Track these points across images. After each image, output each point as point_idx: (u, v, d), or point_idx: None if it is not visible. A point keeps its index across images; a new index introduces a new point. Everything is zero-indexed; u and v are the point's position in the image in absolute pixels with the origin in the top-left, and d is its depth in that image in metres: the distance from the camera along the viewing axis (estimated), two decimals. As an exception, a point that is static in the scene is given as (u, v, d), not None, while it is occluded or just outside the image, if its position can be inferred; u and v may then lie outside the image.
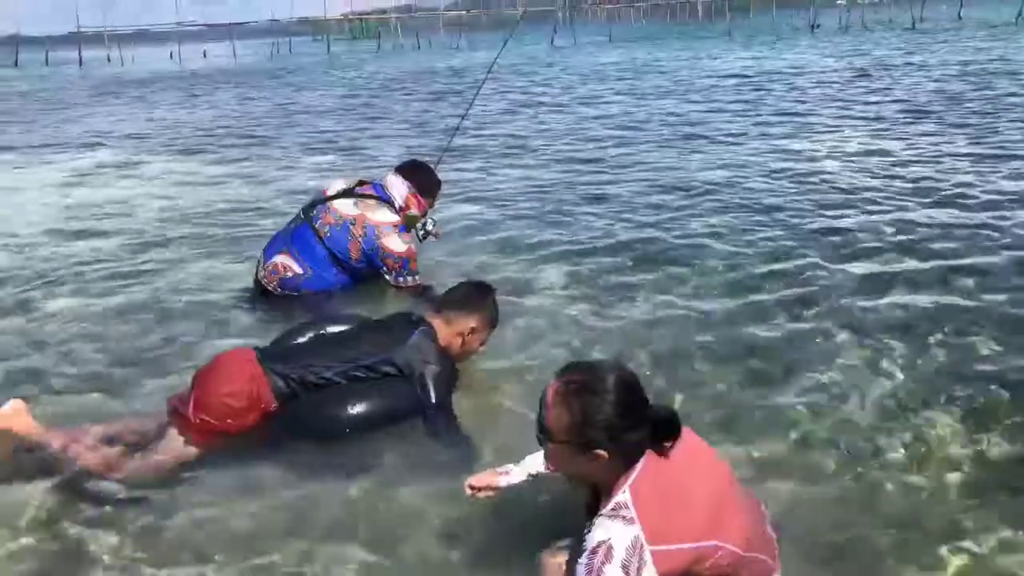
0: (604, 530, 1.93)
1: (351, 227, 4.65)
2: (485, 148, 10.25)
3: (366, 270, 4.73)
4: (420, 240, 4.98)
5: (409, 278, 4.70)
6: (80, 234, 6.80)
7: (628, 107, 14.20)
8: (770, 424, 3.27)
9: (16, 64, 52.22)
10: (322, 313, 4.31)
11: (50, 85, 31.02)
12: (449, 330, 3.45)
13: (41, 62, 53.17)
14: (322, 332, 3.48)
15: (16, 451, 3.12)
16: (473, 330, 3.49)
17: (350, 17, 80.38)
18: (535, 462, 2.51)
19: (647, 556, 1.89)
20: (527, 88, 18.55)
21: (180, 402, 3.17)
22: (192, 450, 3.09)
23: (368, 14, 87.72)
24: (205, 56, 52.57)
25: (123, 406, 3.61)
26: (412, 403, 3.22)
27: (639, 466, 2.00)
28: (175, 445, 3.07)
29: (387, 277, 4.70)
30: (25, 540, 2.75)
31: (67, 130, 15.31)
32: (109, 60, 52.45)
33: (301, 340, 3.45)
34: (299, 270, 4.67)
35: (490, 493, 2.53)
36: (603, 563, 1.88)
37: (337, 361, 3.23)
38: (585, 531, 1.98)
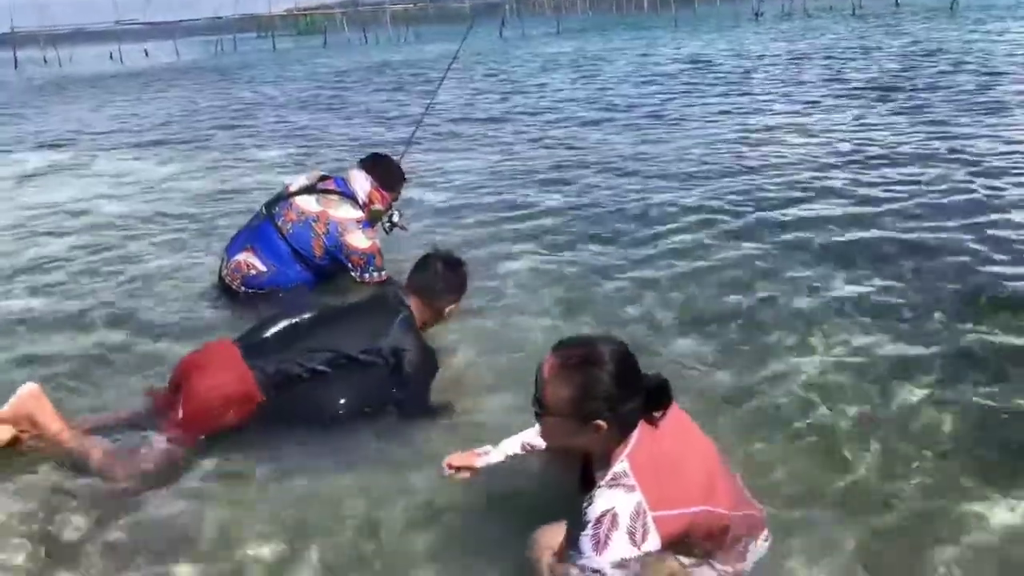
0: (606, 500, 2.00)
1: (313, 224, 4.63)
2: (446, 138, 10.28)
3: (330, 266, 4.71)
4: (387, 232, 4.98)
5: (375, 274, 4.69)
6: (36, 235, 6.68)
7: (581, 94, 14.32)
8: (744, 396, 3.39)
9: (-53, 67, 50.42)
10: (291, 304, 4.27)
11: (-14, 87, 30.03)
12: (430, 311, 3.49)
13: (-27, 64, 51.36)
14: (298, 321, 3.43)
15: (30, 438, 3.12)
16: (452, 310, 3.57)
17: (295, 12, 79.32)
18: (512, 444, 2.57)
19: (650, 521, 1.96)
20: (481, 79, 18.55)
21: (165, 398, 3.15)
22: (179, 449, 3.07)
23: (313, 9, 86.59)
24: (147, 55, 51.35)
25: (88, 406, 3.57)
26: (394, 391, 3.27)
27: (634, 436, 2.07)
28: (162, 444, 3.06)
29: (352, 274, 4.69)
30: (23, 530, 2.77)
31: (10, 132, 14.89)
32: (46, 61, 50.95)
33: (278, 330, 3.39)
34: (262, 267, 4.64)
35: (466, 474, 2.57)
36: (609, 530, 1.95)
37: (321, 350, 3.22)
38: (585, 504, 2.04)
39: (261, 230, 4.71)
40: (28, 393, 3.13)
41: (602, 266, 5.06)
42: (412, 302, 3.44)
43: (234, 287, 4.68)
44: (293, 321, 3.43)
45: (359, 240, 4.63)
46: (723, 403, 3.34)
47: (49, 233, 6.77)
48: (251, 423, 3.16)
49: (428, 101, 6.68)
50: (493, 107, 13.31)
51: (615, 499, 1.98)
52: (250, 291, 4.65)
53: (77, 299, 5.04)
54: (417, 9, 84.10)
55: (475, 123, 11.60)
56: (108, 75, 33.44)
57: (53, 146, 12.41)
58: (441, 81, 6.83)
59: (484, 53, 27.50)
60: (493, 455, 2.56)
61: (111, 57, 50.35)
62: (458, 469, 2.56)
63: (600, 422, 2.02)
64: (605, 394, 2.01)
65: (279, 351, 3.22)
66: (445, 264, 3.56)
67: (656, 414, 2.09)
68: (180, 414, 3.08)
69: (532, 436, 2.55)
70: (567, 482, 2.32)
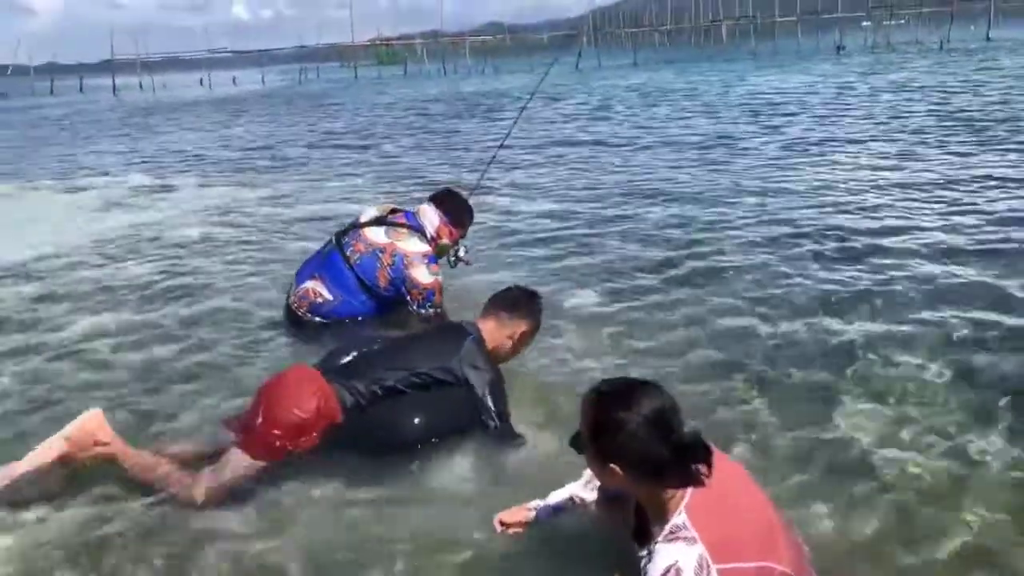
0: (667, 554, 1.92)
1: (380, 255, 4.65)
2: (517, 172, 10.28)
3: (394, 297, 4.72)
4: (451, 266, 4.98)
5: (431, 309, 4.67)
6: (115, 258, 6.90)
7: (653, 127, 14.25)
8: (804, 445, 3.22)
9: (52, 92, 53.47)
10: (360, 335, 4.29)
11: (84, 112, 31.65)
12: (500, 333, 3.55)
13: (76, 89, 54.34)
14: (373, 346, 3.53)
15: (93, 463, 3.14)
16: (523, 334, 3.60)
17: (377, 42, 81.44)
18: (561, 497, 2.53)
19: (715, 574, 1.89)
20: (556, 111, 18.62)
21: (245, 420, 3.19)
22: (259, 465, 3.10)
23: (394, 40, 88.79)
24: (235, 83, 53.53)
25: (159, 430, 3.63)
26: (470, 412, 3.30)
27: (689, 488, 2.00)
28: (242, 462, 3.09)
29: (411, 306, 4.69)
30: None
31: (102, 155, 15.62)
32: (141, 87, 53.58)
33: (354, 355, 3.47)
34: (329, 296, 4.67)
35: (519, 529, 2.53)
36: None
37: (396, 369, 3.28)
38: (644, 561, 1.97)
39: (330, 259, 4.76)
40: (90, 415, 3.18)
41: (667, 307, 4.91)
42: (484, 325, 3.54)
43: (300, 314, 4.73)
44: (369, 347, 3.53)
45: (423, 275, 4.63)
46: (785, 458, 3.16)
47: (129, 254, 7.00)
48: (327, 444, 3.18)
49: (503, 136, 6.67)
50: (564, 141, 13.32)
51: (676, 553, 1.91)
52: (316, 319, 4.69)
53: (150, 321, 5.16)
54: (496, 41, 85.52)
55: (546, 157, 11.60)
56: (197, 101, 34.90)
57: (140, 169, 12.94)
58: (517, 119, 6.82)
59: (560, 85, 27.64)
60: (543, 511, 2.51)
61: (201, 83, 52.67)
62: (509, 525, 2.52)
63: (614, 466, 1.98)
64: (624, 438, 1.97)
65: (357, 374, 3.29)
66: (521, 289, 3.75)
67: (701, 471, 1.99)
68: (263, 433, 3.09)
69: (580, 488, 2.50)
70: (620, 538, 2.24)
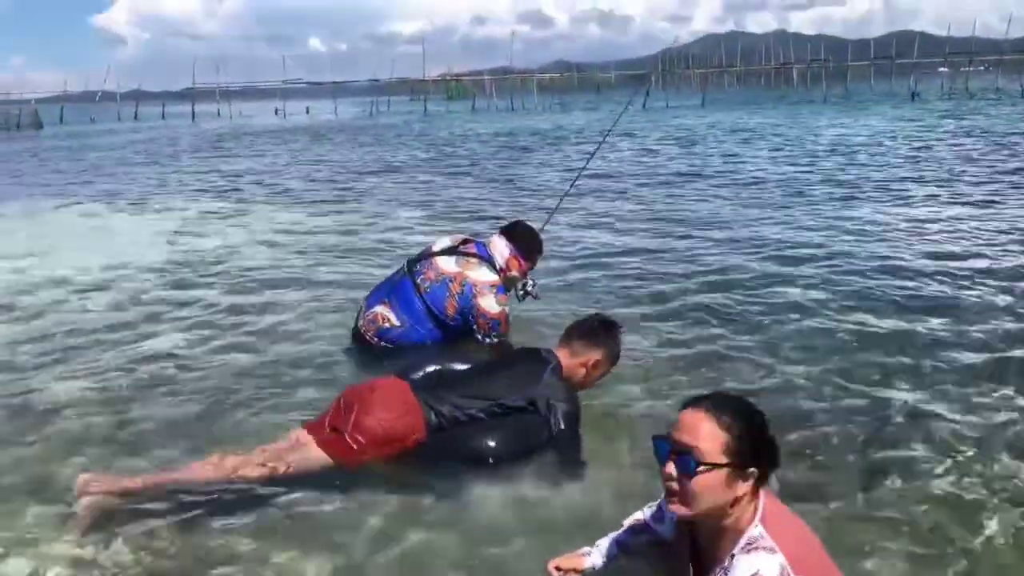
0: (748, 564, 1.90)
1: (450, 284, 4.66)
2: (589, 207, 10.26)
3: (460, 327, 4.71)
4: (519, 300, 4.95)
5: (496, 339, 4.66)
6: (186, 279, 7.05)
7: (720, 169, 14.12)
8: (860, 503, 3.07)
9: (136, 117, 55.81)
10: (439, 354, 4.36)
11: (163, 137, 32.89)
12: (574, 361, 3.59)
13: (158, 115, 56.58)
14: (455, 368, 3.68)
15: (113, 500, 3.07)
16: (597, 363, 3.62)
17: (447, 78, 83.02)
18: (612, 544, 2.49)
19: None
20: (624, 152, 18.60)
21: (330, 421, 3.26)
22: (329, 464, 3.17)
23: (464, 75, 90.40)
24: (308, 112, 55.04)
25: (222, 447, 3.62)
26: (545, 437, 3.37)
27: (761, 502, 2.01)
28: (318, 460, 3.18)
29: (476, 335, 4.68)
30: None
31: (178, 179, 16.14)
32: (219, 114, 55.48)
33: (440, 374, 3.63)
34: (396, 322, 4.69)
35: (574, 575, 2.49)
36: None
37: (481, 398, 3.39)
38: (721, 573, 1.96)
39: (400, 285, 4.78)
40: (86, 479, 3.01)
41: (725, 347, 4.81)
42: (560, 352, 3.61)
43: (367, 337, 4.75)
44: (451, 368, 3.69)
45: (490, 304, 4.62)
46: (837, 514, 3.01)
47: (199, 276, 7.14)
48: (406, 459, 3.26)
49: (576, 173, 6.66)
50: (633, 180, 13.28)
51: (758, 562, 1.88)
52: (383, 343, 4.70)
53: (218, 341, 5.22)
54: (563, 79, 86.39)
55: (614, 195, 11.56)
56: (271, 129, 35.94)
57: (213, 193, 13.30)
58: (591, 156, 6.82)
59: (628, 124, 27.64)
60: (594, 555, 2.48)
61: (276, 113, 54.30)
62: (565, 572, 2.48)
63: (754, 470, 1.97)
64: (759, 441, 2.00)
65: (441, 395, 3.39)
66: (599, 318, 3.80)
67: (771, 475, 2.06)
68: (349, 438, 3.17)
69: (627, 535, 2.46)
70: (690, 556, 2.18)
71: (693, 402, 2.05)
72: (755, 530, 1.95)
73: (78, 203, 12.65)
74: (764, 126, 25.63)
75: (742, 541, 1.95)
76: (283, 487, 3.17)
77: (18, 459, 3.57)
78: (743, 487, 1.97)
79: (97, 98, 69.95)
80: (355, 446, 3.16)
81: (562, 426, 3.36)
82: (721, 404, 2.02)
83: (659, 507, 2.34)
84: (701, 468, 1.95)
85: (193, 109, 55.80)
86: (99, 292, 6.59)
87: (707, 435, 1.96)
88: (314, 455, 3.17)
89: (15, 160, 22.90)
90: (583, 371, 3.60)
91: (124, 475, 3.17)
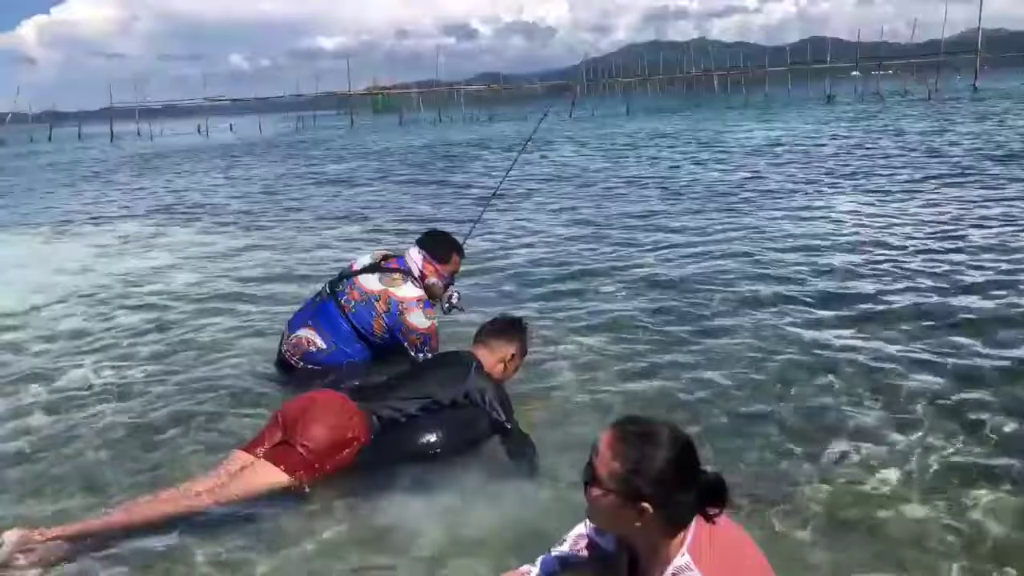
0: None
1: (375, 303, 4.62)
2: (513, 216, 10.34)
3: (388, 345, 4.68)
4: (445, 313, 4.94)
5: (429, 354, 4.64)
6: (106, 305, 6.84)
7: (645, 176, 14.35)
8: (795, 503, 3.15)
9: (50, 139, 53.86)
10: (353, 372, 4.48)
11: (80, 159, 31.83)
12: (492, 357, 3.86)
13: (74, 136, 54.70)
14: (388, 376, 3.85)
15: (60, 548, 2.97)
16: (513, 356, 3.93)
17: (373, 91, 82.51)
18: (550, 561, 2.48)
19: None
20: (549, 159, 18.79)
21: (272, 437, 3.31)
22: (283, 481, 3.20)
23: (390, 89, 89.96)
24: (232, 130, 53.96)
25: (149, 479, 3.55)
26: (483, 425, 3.60)
27: (691, 531, 1.98)
28: (269, 476, 3.19)
29: (409, 352, 4.65)
30: None
31: (95, 202, 15.62)
32: (139, 134, 54.02)
33: (374, 383, 3.79)
34: (322, 344, 4.63)
35: None
36: None
37: (415, 398, 3.58)
38: None
39: (324, 308, 4.72)
40: (15, 539, 2.87)
41: (662, 353, 4.90)
42: (479, 353, 3.85)
43: (293, 362, 4.68)
44: (378, 377, 3.91)
45: (419, 320, 4.60)
46: (784, 513, 3.09)
47: (119, 302, 6.94)
48: (354, 463, 3.37)
49: (498, 182, 6.71)
50: (558, 189, 13.42)
51: None
52: (309, 367, 4.63)
53: (139, 370, 5.09)
54: (490, 91, 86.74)
55: (540, 205, 11.67)
56: (194, 148, 35.13)
57: (136, 217, 12.93)
58: (512, 165, 6.88)
59: (554, 133, 27.94)
60: (535, 574, 2.46)
61: (199, 131, 53.08)
62: None
63: (646, 505, 1.94)
64: (657, 476, 1.94)
65: (378, 399, 3.56)
66: (505, 317, 4.21)
67: (713, 511, 1.98)
68: (298, 447, 3.23)
69: (569, 550, 2.45)
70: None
71: (613, 423, 2.06)
72: (682, 559, 1.95)
73: (-12, 231, 12.17)
74: (686, 132, 26.20)
75: (669, 569, 1.95)
76: (229, 511, 3.13)
77: None
78: (642, 517, 1.96)
79: (7, 120, 67.28)
80: (306, 455, 3.22)
81: (500, 413, 3.57)
82: (628, 434, 2.00)
83: None
84: (594, 489, 2.00)
85: (112, 129, 54.15)
86: (7, 323, 6.34)
87: (604, 459, 1.98)
88: (262, 472, 3.18)
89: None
90: (501, 366, 3.87)
91: (55, 525, 3.01)
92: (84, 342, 5.77)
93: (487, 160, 20.56)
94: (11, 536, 2.83)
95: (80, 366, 5.20)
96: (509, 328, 4.01)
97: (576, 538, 2.44)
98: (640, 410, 3.93)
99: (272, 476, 3.18)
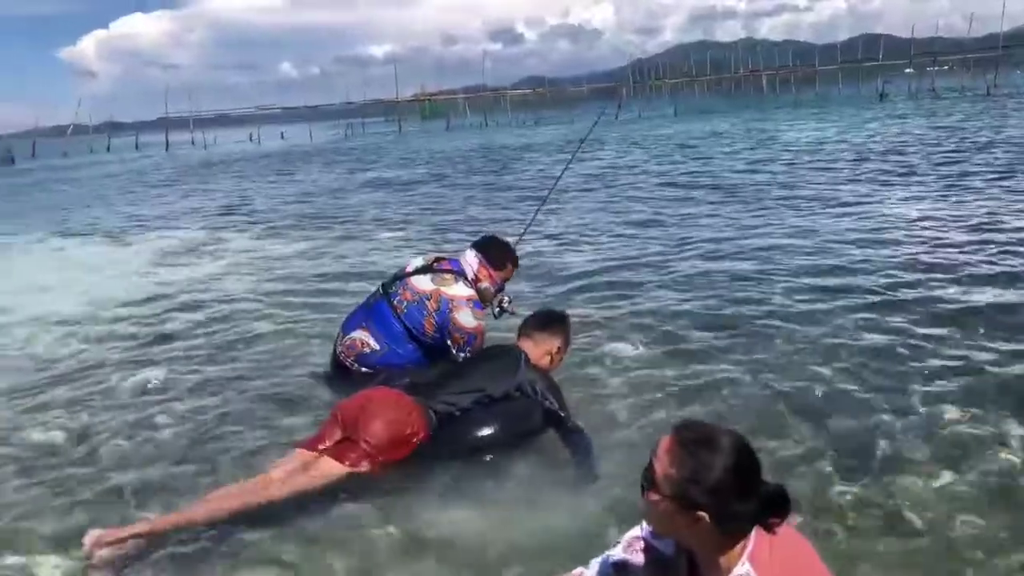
0: None
1: (427, 302, 4.65)
2: (564, 220, 10.32)
3: (440, 345, 4.69)
4: (496, 316, 4.95)
5: (470, 354, 4.64)
6: (163, 311, 7.01)
7: (696, 177, 14.21)
8: (851, 506, 3.09)
9: (108, 149, 55.40)
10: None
11: (139, 168, 32.70)
12: (538, 350, 3.95)
13: (131, 146, 56.20)
14: (440, 372, 3.95)
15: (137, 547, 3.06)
16: (558, 349, 4.02)
17: (420, 98, 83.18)
18: (604, 564, 2.42)
19: None
20: (597, 159, 18.72)
21: (332, 434, 3.40)
22: (344, 474, 3.29)
23: (436, 95, 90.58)
24: (283, 137, 54.88)
25: (208, 481, 3.62)
26: (537, 417, 3.68)
27: (752, 540, 1.92)
28: (333, 470, 3.29)
29: (452, 350, 4.66)
30: None
31: (152, 210, 16.06)
32: (193, 143, 55.23)
33: (427, 379, 3.85)
34: (376, 346, 4.67)
35: None
36: None
37: (468, 391, 3.66)
38: None
39: (377, 309, 4.77)
40: (95, 536, 2.98)
41: (713, 358, 4.81)
42: (525, 346, 3.95)
43: (347, 364, 4.73)
44: (436, 372, 3.98)
45: (467, 319, 4.61)
46: (847, 526, 3.01)
47: (176, 308, 7.11)
48: (413, 457, 3.44)
49: (549, 186, 6.70)
50: (605, 189, 13.39)
51: None
52: (363, 369, 4.68)
53: (199, 374, 5.20)
54: (536, 94, 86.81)
55: (588, 205, 11.66)
56: (246, 156, 35.82)
57: (192, 224, 13.24)
58: (564, 170, 6.87)
59: (600, 135, 27.81)
60: None
61: (250, 139, 54.09)
62: None
63: (702, 514, 1.89)
64: (714, 485, 1.88)
65: (432, 394, 3.64)
66: (549, 310, 4.33)
67: (774, 521, 1.93)
68: (364, 444, 3.32)
69: (624, 553, 2.38)
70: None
71: (673, 427, 2.02)
72: (742, 567, 1.91)
73: (52, 238, 12.56)
74: (735, 131, 25.89)
75: None
76: (291, 507, 3.22)
77: (16, 510, 3.49)
78: (698, 524, 1.92)
79: (69, 132, 69.43)
80: (369, 450, 3.31)
81: (553, 402, 3.64)
82: (687, 439, 1.96)
83: None
84: (651, 494, 1.97)
85: (167, 139, 55.52)
86: (72, 328, 6.54)
87: (662, 465, 1.95)
88: (325, 467, 3.28)
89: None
90: (548, 359, 3.97)
91: (132, 523, 3.13)
92: (140, 349, 5.90)
93: (535, 163, 20.58)
94: (90, 538, 2.94)
95: (136, 373, 5.31)
96: (552, 321, 4.10)
97: (631, 540, 2.37)
98: (689, 414, 3.92)
99: (336, 471, 3.28)
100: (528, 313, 4.38)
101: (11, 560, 3.08)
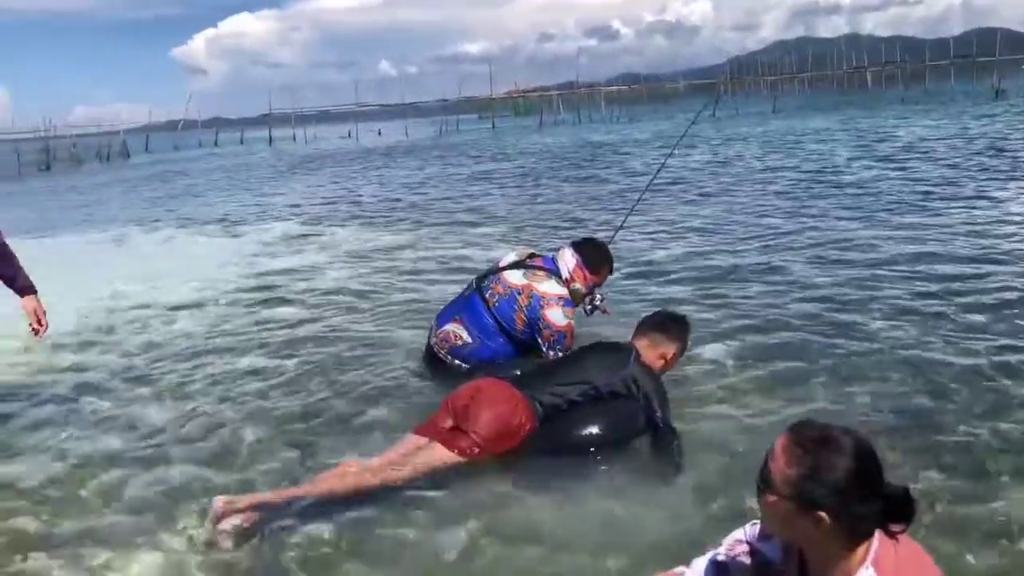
0: None
1: (518, 297, 4.70)
2: (658, 219, 10.22)
3: (530, 340, 4.74)
4: (587, 315, 4.97)
5: (560, 353, 4.67)
6: (266, 301, 7.29)
7: (792, 176, 13.83)
8: (974, 523, 2.97)
9: (216, 143, 57.89)
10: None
11: (245, 162, 34.02)
12: (652, 352, 3.89)
13: (236, 141, 58.53)
14: (546, 364, 4.06)
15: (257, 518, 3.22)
16: (674, 355, 3.96)
17: (513, 95, 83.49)
18: (706, 565, 2.39)
19: None
20: (694, 158, 18.42)
21: (443, 423, 3.52)
22: (453, 462, 3.40)
23: (531, 92, 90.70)
24: (380, 134, 56.05)
25: (312, 465, 3.76)
26: (640, 420, 3.65)
27: (875, 543, 1.87)
28: (443, 458, 3.40)
29: (541, 347, 4.70)
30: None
31: (257, 202, 16.70)
32: (295, 139, 57.01)
33: (532, 370, 3.93)
34: (468, 339, 4.75)
35: None
36: None
37: (575, 383, 3.67)
38: None
39: (470, 302, 4.86)
40: (223, 501, 3.16)
41: (814, 366, 4.67)
42: (639, 345, 3.89)
43: (441, 356, 4.84)
44: (534, 366, 4.04)
45: (557, 317, 4.64)
46: (963, 537, 2.91)
47: (278, 298, 7.37)
48: (521, 450, 3.52)
49: (645, 183, 6.65)
50: (702, 188, 13.12)
51: None
52: (456, 361, 4.77)
53: (304, 360, 5.38)
54: (631, 91, 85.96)
55: (685, 205, 11.49)
56: (346, 152, 36.77)
57: (294, 216, 13.71)
58: (661, 166, 6.82)
59: (699, 133, 27.30)
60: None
61: (348, 135, 55.45)
62: None
63: (823, 514, 1.83)
64: (836, 485, 1.83)
65: (539, 385, 3.68)
66: (670, 313, 4.24)
67: (896, 527, 1.86)
68: (473, 434, 3.43)
69: (726, 555, 2.34)
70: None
71: (790, 427, 1.98)
72: (865, 572, 1.85)
73: (165, 227, 13.22)
74: (839, 129, 25.01)
75: None
76: (400, 490, 3.35)
77: (139, 482, 3.71)
78: (819, 526, 1.87)
79: (180, 126, 72.80)
80: (478, 440, 3.41)
81: (657, 407, 3.61)
82: (805, 439, 1.90)
83: None
84: (768, 496, 1.92)
85: (270, 134, 57.54)
86: (179, 316, 6.84)
87: (779, 464, 1.90)
88: (437, 454, 3.40)
89: (108, 188, 24.07)
90: (661, 362, 3.90)
91: (258, 493, 3.34)
92: (248, 334, 6.15)
93: (630, 160, 20.41)
94: (218, 502, 3.16)
95: (244, 357, 5.55)
96: (674, 325, 4.03)
97: (733, 543, 2.31)
98: (788, 419, 3.83)
99: (446, 457, 3.39)
100: (618, 312, 4.37)
101: (143, 529, 3.28)
